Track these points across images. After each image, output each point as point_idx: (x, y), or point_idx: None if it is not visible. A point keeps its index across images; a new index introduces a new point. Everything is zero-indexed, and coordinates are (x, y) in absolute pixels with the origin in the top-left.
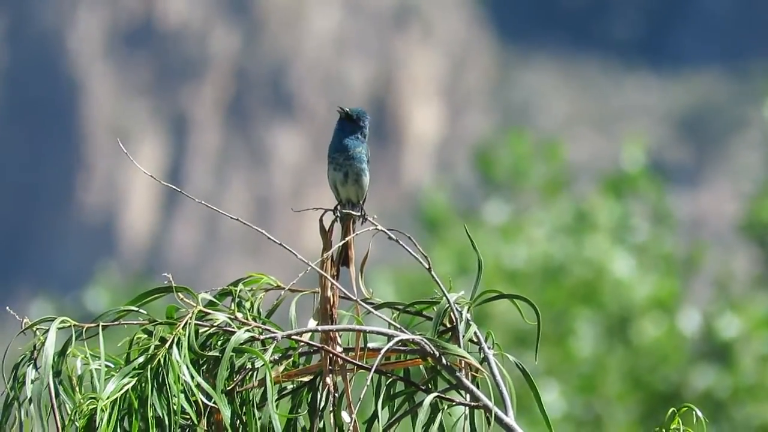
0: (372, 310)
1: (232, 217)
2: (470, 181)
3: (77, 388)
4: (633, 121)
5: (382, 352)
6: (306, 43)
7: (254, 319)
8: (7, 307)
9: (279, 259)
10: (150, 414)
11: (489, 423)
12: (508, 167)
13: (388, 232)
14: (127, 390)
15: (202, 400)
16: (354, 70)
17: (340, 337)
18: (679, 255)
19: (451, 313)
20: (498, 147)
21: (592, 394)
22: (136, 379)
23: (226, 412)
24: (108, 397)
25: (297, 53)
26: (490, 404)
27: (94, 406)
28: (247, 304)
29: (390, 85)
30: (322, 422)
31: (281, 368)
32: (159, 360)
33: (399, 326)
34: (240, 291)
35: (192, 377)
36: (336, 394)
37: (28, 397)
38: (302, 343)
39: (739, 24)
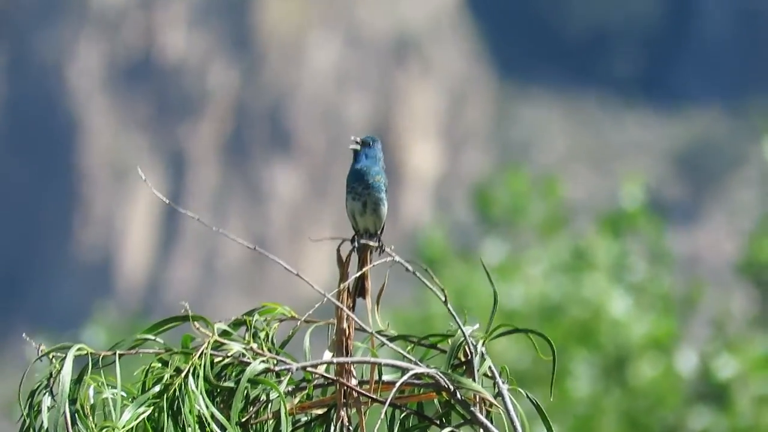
0: (387, 342)
1: (248, 246)
2: (468, 218)
3: (90, 416)
4: (631, 158)
5: (397, 385)
6: (305, 79)
7: (269, 350)
8: (23, 334)
9: (277, 297)
10: None
11: None
12: (506, 205)
13: (405, 263)
14: (143, 419)
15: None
16: (353, 105)
17: (355, 369)
18: (676, 294)
19: (466, 347)
20: (496, 184)
21: None
22: (151, 408)
23: None
24: (124, 426)
25: (296, 89)
26: None
27: None
28: (262, 335)
29: (389, 121)
30: None
31: (296, 400)
32: (175, 389)
33: (413, 359)
34: (255, 321)
35: (207, 407)
36: (350, 427)
37: (45, 426)
38: (317, 375)
39: (738, 61)
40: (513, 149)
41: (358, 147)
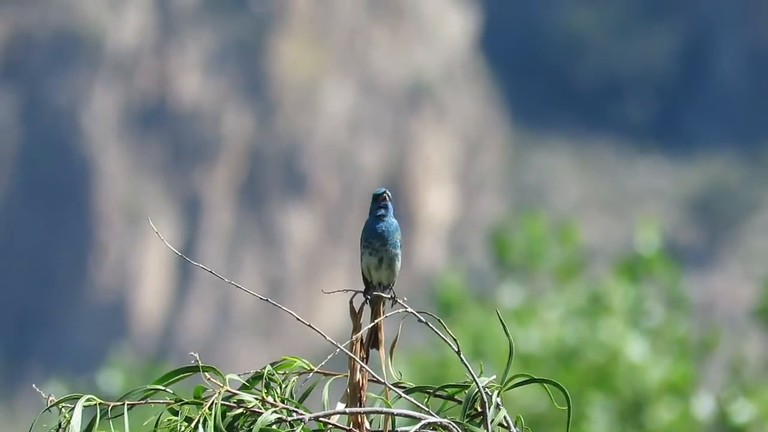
0: (402, 394)
1: (260, 297)
2: (484, 263)
3: None
4: (646, 203)
5: None
6: (319, 125)
7: (282, 401)
8: (33, 385)
9: (292, 342)
10: None
11: None
12: (522, 250)
13: (417, 314)
14: None
15: None
16: (367, 151)
17: (368, 420)
18: (693, 339)
19: (481, 398)
20: (512, 229)
21: None
22: None
23: None
24: None
25: (310, 134)
26: None
27: None
28: (280, 387)
29: (403, 166)
30: None
31: None
32: None
33: (427, 409)
34: (267, 372)
35: None
36: None
37: None
38: (330, 426)
39: (750, 107)
40: (527, 194)
41: (383, 203)
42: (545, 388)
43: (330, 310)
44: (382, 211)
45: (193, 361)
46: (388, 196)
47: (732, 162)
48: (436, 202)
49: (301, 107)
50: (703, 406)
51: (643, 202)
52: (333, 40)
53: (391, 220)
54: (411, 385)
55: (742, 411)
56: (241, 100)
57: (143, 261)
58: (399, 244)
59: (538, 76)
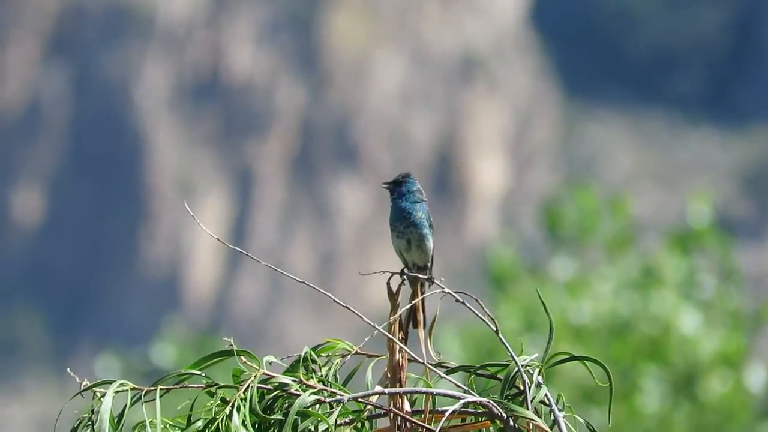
0: (443, 375)
1: (297, 280)
2: (536, 236)
3: None
4: (698, 175)
5: (447, 414)
6: (371, 97)
7: (322, 383)
8: (68, 369)
9: (345, 315)
10: None
11: None
12: (574, 222)
13: (455, 294)
14: None
15: None
16: (419, 124)
17: (408, 400)
18: (745, 311)
19: (521, 376)
20: (564, 202)
21: None
22: None
23: None
24: None
25: (362, 107)
26: None
27: None
28: (324, 370)
29: (455, 139)
30: None
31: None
32: (218, 424)
33: (466, 388)
34: (306, 354)
35: None
36: None
37: None
38: (369, 406)
39: None
40: (579, 167)
41: (390, 187)
42: (586, 365)
43: (381, 284)
44: (399, 196)
45: (228, 345)
46: (405, 177)
47: None
48: (488, 174)
49: (353, 80)
50: (756, 377)
51: (694, 174)
52: (385, 12)
53: (412, 200)
54: (453, 364)
55: None
56: (294, 72)
57: (195, 234)
58: (426, 224)
59: (589, 48)
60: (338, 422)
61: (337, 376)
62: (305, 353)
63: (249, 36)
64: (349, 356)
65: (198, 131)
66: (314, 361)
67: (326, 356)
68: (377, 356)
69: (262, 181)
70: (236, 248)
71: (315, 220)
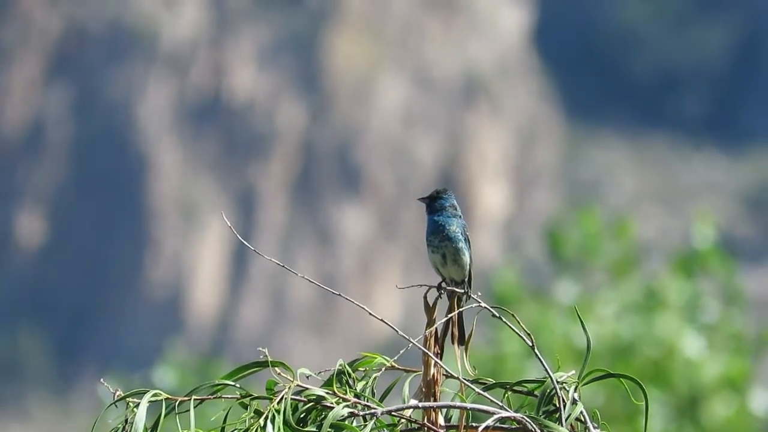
0: (479, 390)
1: (326, 288)
2: (539, 258)
3: None
4: (701, 198)
5: (481, 428)
6: (374, 119)
7: (356, 396)
8: (101, 380)
9: (346, 337)
10: None
11: None
12: (577, 245)
13: (492, 309)
14: None
15: None
16: (422, 145)
17: (442, 414)
18: (749, 334)
19: (557, 393)
20: (567, 224)
21: None
22: None
23: None
24: None
25: (365, 128)
26: None
27: None
28: (360, 384)
29: (458, 161)
30: None
31: None
32: None
33: (501, 404)
34: (340, 367)
35: None
36: None
37: None
38: (403, 420)
39: None
40: (582, 189)
41: (426, 201)
42: (622, 383)
43: (384, 307)
44: (437, 207)
45: (262, 356)
46: (441, 192)
47: None
48: (491, 197)
49: (355, 101)
50: (760, 401)
51: (698, 196)
52: (387, 34)
53: (448, 215)
54: (489, 381)
55: None
56: (296, 94)
57: (198, 256)
58: (461, 238)
59: (592, 70)
60: None
61: (375, 391)
62: (340, 366)
63: (251, 57)
64: (383, 369)
65: (200, 153)
66: (350, 375)
67: (363, 371)
68: (414, 371)
69: (264, 203)
70: (262, 254)
71: (317, 242)
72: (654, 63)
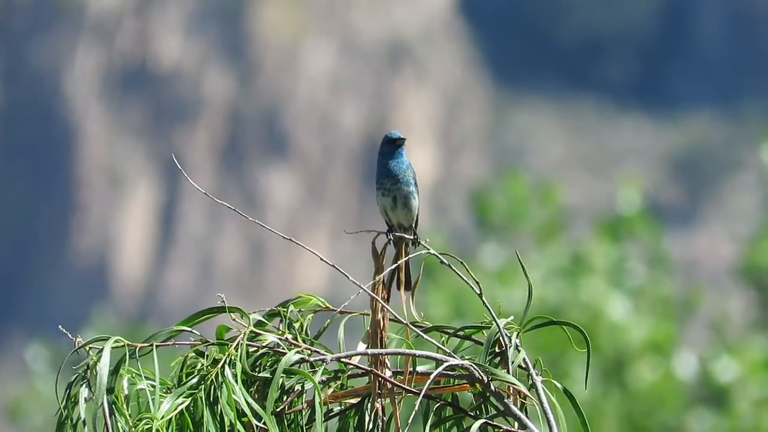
0: (422, 334)
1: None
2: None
3: (125, 408)
4: (627, 163)
5: (431, 377)
6: (300, 85)
7: (304, 341)
8: (60, 326)
9: (273, 302)
10: None
11: None
12: (504, 210)
13: (440, 255)
14: (182, 410)
15: (252, 421)
16: (348, 112)
17: (389, 360)
18: (675, 298)
19: (501, 339)
20: (493, 190)
21: None
22: (189, 399)
23: None
24: (163, 417)
25: (291, 95)
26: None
27: (150, 426)
28: (297, 325)
29: (384, 127)
30: None
31: (330, 390)
32: (212, 380)
33: (448, 351)
34: (289, 312)
35: (243, 397)
36: (384, 418)
37: (82, 417)
38: (351, 366)
39: (733, 66)
40: (509, 154)
41: (400, 139)
42: (564, 330)
43: (310, 272)
44: (395, 152)
45: (219, 302)
46: (395, 138)
47: (714, 121)
48: (418, 162)
49: (282, 68)
50: (686, 365)
51: (624, 161)
52: (313, 1)
53: (402, 159)
54: (429, 324)
55: (725, 370)
56: (222, 61)
57: (124, 223)
58: (412, 182)
59: (519, 35)
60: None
61: (308, 331)
62: (287, 310)
63: (178, 25)
64: (335, 313)
65: (127, 120)
66: (290, 318)
67: (298, 311)
68: (350, 313)
69: (191, 170)
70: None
71: (244, 208)
72: (580, 28)
